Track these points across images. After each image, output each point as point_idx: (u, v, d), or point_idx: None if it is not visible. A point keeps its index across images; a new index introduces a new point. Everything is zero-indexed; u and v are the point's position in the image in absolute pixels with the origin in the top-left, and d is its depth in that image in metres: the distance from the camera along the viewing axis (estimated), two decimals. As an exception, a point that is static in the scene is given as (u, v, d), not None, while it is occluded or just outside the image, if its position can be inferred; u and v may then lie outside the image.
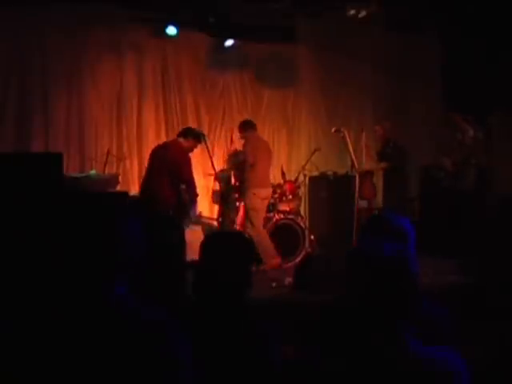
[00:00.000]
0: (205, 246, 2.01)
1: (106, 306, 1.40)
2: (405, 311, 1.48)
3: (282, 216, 6.72)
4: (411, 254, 2.04)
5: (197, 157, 7.49)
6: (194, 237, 6.18)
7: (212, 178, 7.15)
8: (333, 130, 6.16)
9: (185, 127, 6.25)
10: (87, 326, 1.36)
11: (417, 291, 1.50)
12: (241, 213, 6.92)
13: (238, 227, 6.87)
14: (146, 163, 7.42)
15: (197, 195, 5.97)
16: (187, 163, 5.77)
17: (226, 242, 2.03)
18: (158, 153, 5.88)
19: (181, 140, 5.85)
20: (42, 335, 1.37)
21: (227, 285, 1.92)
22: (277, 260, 6.28)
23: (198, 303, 1.93)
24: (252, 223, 6.22)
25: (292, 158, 8.16)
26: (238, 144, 7.22)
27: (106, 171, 6.72)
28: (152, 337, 1.37)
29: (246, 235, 6.09)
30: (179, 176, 5.70)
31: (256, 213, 6.27)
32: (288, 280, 5.53)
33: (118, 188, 6.27)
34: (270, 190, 6.48)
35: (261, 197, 6.29)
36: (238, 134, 6.51)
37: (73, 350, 1.34)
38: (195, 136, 5.94)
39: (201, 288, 1.95)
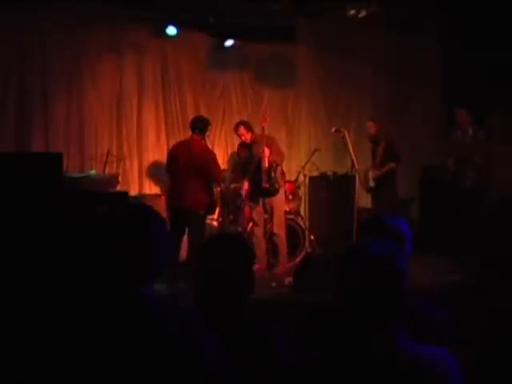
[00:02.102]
0: (205, 248, 2.02)
1: (120, 306, 1.39)
2: (393, 310, 1.48)
3: (281, 216, 6.73)
4: (408, 255, 2.05)
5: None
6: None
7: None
8: (333, 130, 6.16)
9: (195, 119, 5.99)
10: (100, 325, 1.36)
11: (403, 290, 1.50)
12: (242, 213, 6.92)
13: (239, 227, 6.87)
14: (146, 163, 7.46)
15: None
16: (215, 160, 5.70)
17: (226, 243, 2.04)
18: (181, 154, 5.69)
19: (200, 136, 5.73)
20: (43, 337, 1.37)
21: (228, 286, 1.92)
22: (289, 263, 6.34)
23: (200, 304, 1.94)
24: (281, 221, 6.32)
25: (292, 158, 8.14)
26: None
27: (106, 171, 6.72)
28: (179, 336, 1.38)
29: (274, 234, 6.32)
30: (209, 175, 5.60)
31: (283, 211, 6.44)
32: (288, 280, 5.53)
33: (118, 188, 6.27)
34: None
35: (283, 195, 6.51)
36: (248, 133, 6.36)
37: (96, 350, 1.34)
38: (208, 124, 5.88)
39: (202, 289, 1.95)
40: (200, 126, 5.77)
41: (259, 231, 6.39)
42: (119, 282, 1.43)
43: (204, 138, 5.81)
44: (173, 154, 5.87)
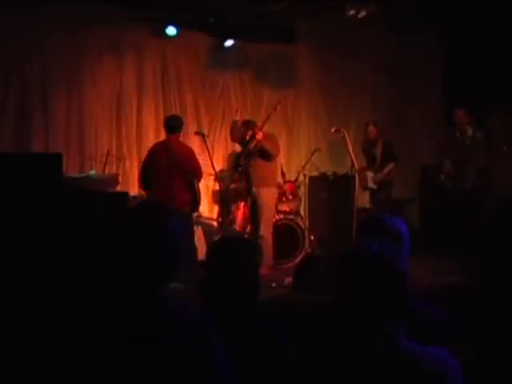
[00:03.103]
0: (214, 250, 2.04)
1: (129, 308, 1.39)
2: (395, 310, 1.48)
3: (281, 216, 6.72)
4: (406, 255, 2.05)
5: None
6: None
7: (212, 177, 7.14)
8: (332, 130, 6.15)
9: (170, 119, 5.90)
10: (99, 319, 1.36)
11: (407, 290, 1.50)
12: (240, 213, 6.91)
13: (238, 227, 6.87)
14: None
15: None
16: (195, 156, 5.70)
17: (235, 246, 2.06)
18: (161, 155, 5.68)
19: (177, 135, 5.71)
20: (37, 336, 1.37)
21: (235, 288, 1.93)
22: (271, 268, 6.11)
23: (207, 304, 1.95)
24: (268, 223, 6.10)
25: (292, 158, 8.15)
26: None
27: (106, 171, 6.72)
28: (192, 341, 1.37)
29: (258, 236, 6.03)
30: (192, 171, 5.59)
31: (272, 212, 6.26)
32: (288, 280, 5.52)
33: (118, 188, 6.26)
34: None
35: (276, 195, 6.37)
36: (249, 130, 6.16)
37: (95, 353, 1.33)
38: (182, 124, 5.82)
39: (209, 290, 1.96)
40: (176, 125, 5.74)
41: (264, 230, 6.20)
42: (136, 282, 1.43)
43: (180, 134, 5.78)
44: (151, 156, 5.80)
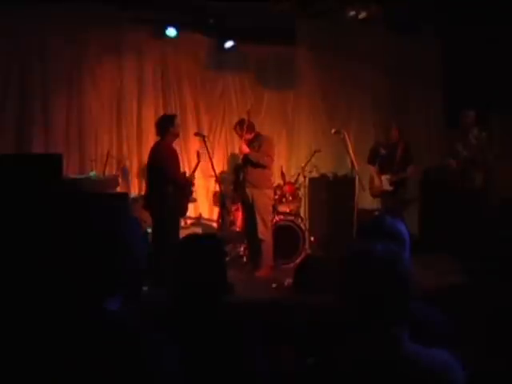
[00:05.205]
0: (178, 249, 2.02)
1: (95, 319, 1.36)
2: (398, 311, 1.48)
3: (281, 217, 6.73)
4: (406, 256, 2.04)
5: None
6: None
7: (212, 179, 7.14)
8: (333, 131, 6.14)
9: (156, 122, 5.75)
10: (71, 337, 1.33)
11: (410, 292, 1.50)
12: (240, 214, 6.91)
13: (238, 228, 6.87)
14: (146, 164, 7.45)
15: (190, 189, 5.82)
16: (170, 162, 5.46)
17: (198, 244, 2.04)
18: (148, 157, 5.71)
19: (164, 138, 5.56)
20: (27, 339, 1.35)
21: (200, 286, 1.93)
22: (271, 269, 6.13)
23: (174, 303, 1.94)
24: (266, 225, 6.08)
25: (292, 160, 8.15)
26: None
27: (106, 172, 6.72)
28: (138, 354, 1.32)
29: (259, 237, 6.02)
30: (166, 179, 5.43)
31: (269, 215, 6.21)
32: (288, 281, 5.52)
33: (118, 189, 6.26)
34: None
35: (271, 198, 6.32)
36: (248, 134, 6.10)
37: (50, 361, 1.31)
38: (169, 123, 5.58)
39: (176, 289, 1.96)
40: (160, 126, 5.62)
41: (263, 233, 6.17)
42: (85, 293, 1.40)
43: (170, 138, 5.58)
44: None
